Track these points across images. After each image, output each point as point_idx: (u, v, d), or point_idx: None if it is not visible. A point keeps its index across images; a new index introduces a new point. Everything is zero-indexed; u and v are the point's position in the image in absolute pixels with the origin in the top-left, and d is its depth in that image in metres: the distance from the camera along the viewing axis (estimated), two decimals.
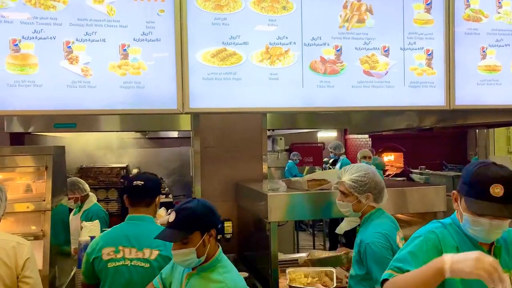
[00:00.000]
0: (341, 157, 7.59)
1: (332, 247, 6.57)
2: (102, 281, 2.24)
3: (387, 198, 2.28)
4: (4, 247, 2.06)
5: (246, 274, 2.55)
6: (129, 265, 2.21)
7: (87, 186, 4.02)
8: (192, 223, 1.87)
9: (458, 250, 1.60)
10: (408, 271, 1.54)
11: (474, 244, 1.62)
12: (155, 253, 2.23)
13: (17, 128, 4.30)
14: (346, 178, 2.23)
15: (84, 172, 6.49)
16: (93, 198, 4.04)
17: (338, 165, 7.00)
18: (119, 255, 2.21)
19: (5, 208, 2.17)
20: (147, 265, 2.21)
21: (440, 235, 1.64)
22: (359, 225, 2.32)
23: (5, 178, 2.75)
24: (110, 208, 6.07)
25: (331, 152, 7.68)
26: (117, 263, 2.21)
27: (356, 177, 2.21)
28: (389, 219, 2.26)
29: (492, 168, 1.56)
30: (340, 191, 2.28)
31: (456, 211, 1.68)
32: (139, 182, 2.30)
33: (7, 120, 4.21)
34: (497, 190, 1.51)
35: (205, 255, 1.89)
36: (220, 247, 1.98)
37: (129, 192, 2.34)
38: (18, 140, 5.20)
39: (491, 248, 1.63)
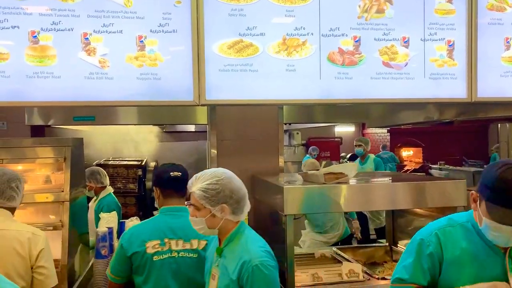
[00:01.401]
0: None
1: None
2: (144, 275, 2.15)
3: (404, 193, 2.15)
4: (19, 238, 2.07)
5: None
6: (176, 257, 2.18)
7: (106, 180, 4.04)
8: None
9: (462, 251, 1.61)
10: (407, 282, 1.66)
11: (489, 246, 1.60)
12: (203, 243, 2.21)
13: (37, 121, 4.39)
14: (196, 188, 1.82)
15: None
16: (108, 188, 4.06)
17: (368, 163, 6.20)
18: (165, 248, 2.17)
19: (22, 198, 2.22)
20: (195, 255, 2.20)
21: (442, 237, 1.64)
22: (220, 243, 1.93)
23: (25, 169, 2.80)
24: (129, 211, 6.10)
25: (357, 146, 6.25)
26: (164, 256, 2.16)
27: (206, 186, 1.81)
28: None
29: None
30: (192, 204, 1.88)
31: (473, 210, 1.65)
32: (178, 174, 2.29)
33: (27, 113, 4.29)
34: None
35: None
36: None
37: (167, 184, 2.28)
38: (38, 132, 5.29)
39: (506, 250, 1.60)
